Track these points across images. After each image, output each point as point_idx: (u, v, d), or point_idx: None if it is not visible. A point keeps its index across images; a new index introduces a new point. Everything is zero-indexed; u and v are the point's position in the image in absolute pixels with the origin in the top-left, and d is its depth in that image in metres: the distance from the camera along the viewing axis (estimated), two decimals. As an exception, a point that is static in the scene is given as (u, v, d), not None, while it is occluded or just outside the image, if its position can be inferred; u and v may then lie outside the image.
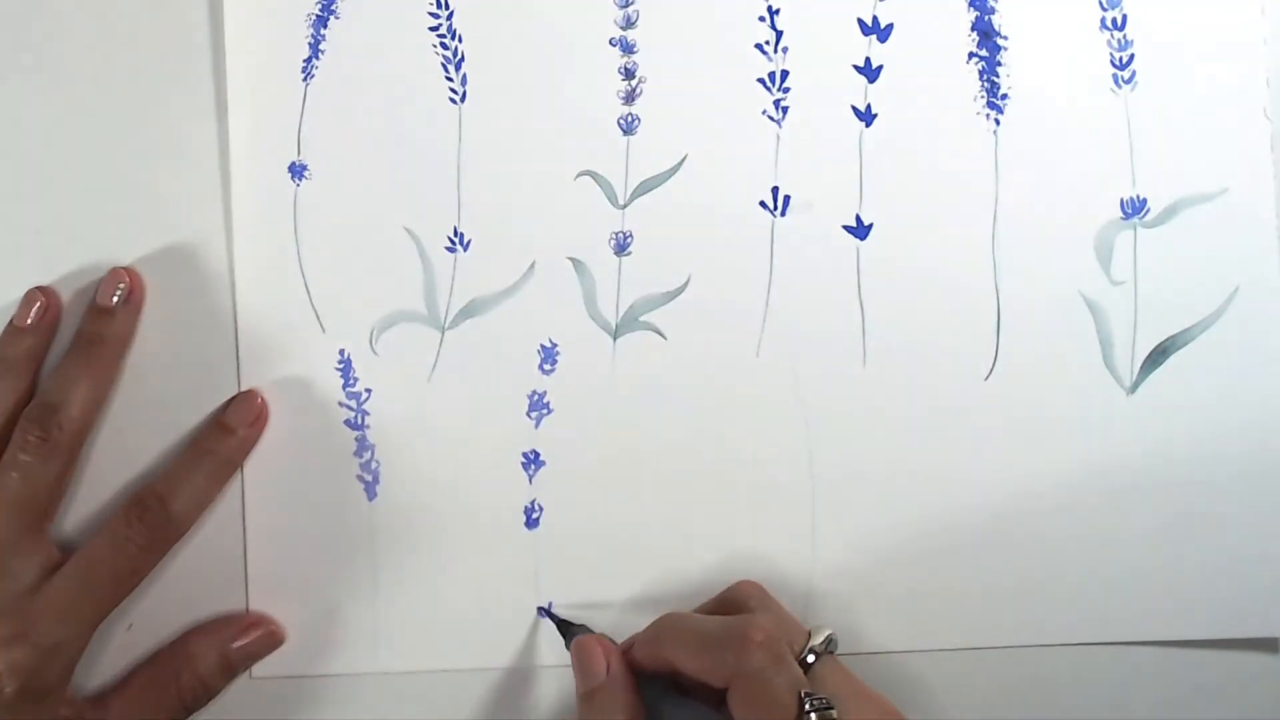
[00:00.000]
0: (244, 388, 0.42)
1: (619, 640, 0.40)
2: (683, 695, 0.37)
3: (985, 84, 0.42)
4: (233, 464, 0.41)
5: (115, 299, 0.40)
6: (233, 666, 0.41)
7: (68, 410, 0.39)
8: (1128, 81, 0.42)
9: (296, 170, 0.42)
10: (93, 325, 0.40)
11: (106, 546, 0.39)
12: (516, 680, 0.42)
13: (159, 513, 0.39)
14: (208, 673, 0.40)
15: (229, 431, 0.41)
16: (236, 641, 0.41)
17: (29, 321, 0.40)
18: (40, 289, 0.41)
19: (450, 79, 0.42)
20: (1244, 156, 0.42)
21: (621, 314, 0.42)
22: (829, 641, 0.37)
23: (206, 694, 0.40)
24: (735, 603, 0.40)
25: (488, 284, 0.42)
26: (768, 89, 0.42)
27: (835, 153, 0.42)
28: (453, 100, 0.42)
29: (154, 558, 0.40)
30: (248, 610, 0.41)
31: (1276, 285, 0.42)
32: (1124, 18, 0.42)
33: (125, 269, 0.41)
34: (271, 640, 0.41)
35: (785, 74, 0.42)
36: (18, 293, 0.41)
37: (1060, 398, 0.42)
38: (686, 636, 0.36)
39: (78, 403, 0.39)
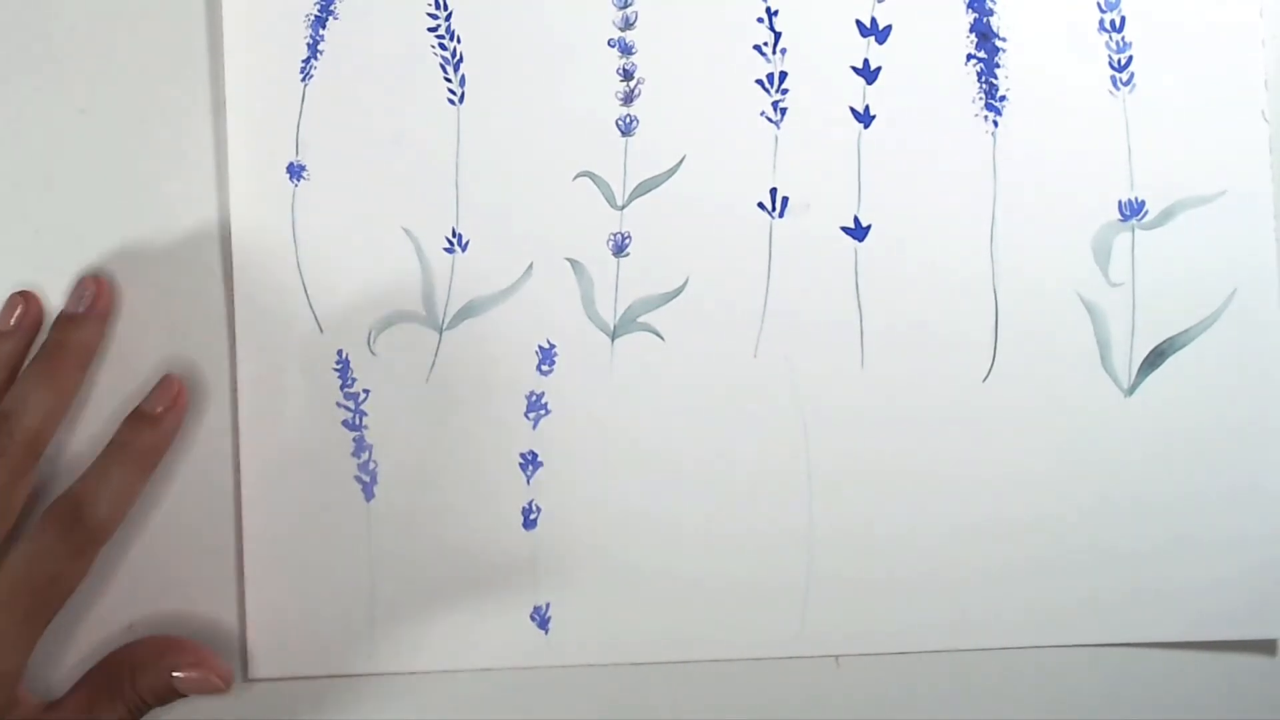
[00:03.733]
0: (241, 388, 0.41)
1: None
2: None
3: (984, 85, 0.42)
4: (153, 454, 0.39)
5: (82, 307, 0.40)
6: (168, 695, 0.39)
7: (20, 419, 0.37)
8: (1126, 83, 0.42)
9: (295, 171, 0.42)
10: (56, 333, 0.40)
11: (23, 562, 0.37)
12: (514, 681, 0.42)
13: (74, 517, 0.37)
14: (148, 691, 0.39)
15: (146, 419, 0.39)
16: (178, 672, 0.39)
17: (12, 324, 0.40)
18: (21, 293, 0.40)
19: (449, 79, 0.42)
20: (1242, 158, 0.42)
21: (620, 315, 0.42)
22: None
23: (145, 709, 0.39)
24: None
25: (486, 285, 0.42)
26: (766, 90, 0.42)
27: (833, 154, 0.42)
28: (451, 101, 0.42)
29: (80, 565, 0.38)
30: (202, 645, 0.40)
31: (1274, 287, 0.42)
32: (1123, 19, 0.42)
33: (94, 277, 0.40)
34: (209, 686, 0.39)
35: (784, 75, 0.42)
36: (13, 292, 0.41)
37: (1058, 399, 0.42)
38: None
39: (32, 411, 0.38)
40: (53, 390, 0.39)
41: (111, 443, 0.39)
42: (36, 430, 0.38)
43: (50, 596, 0.37)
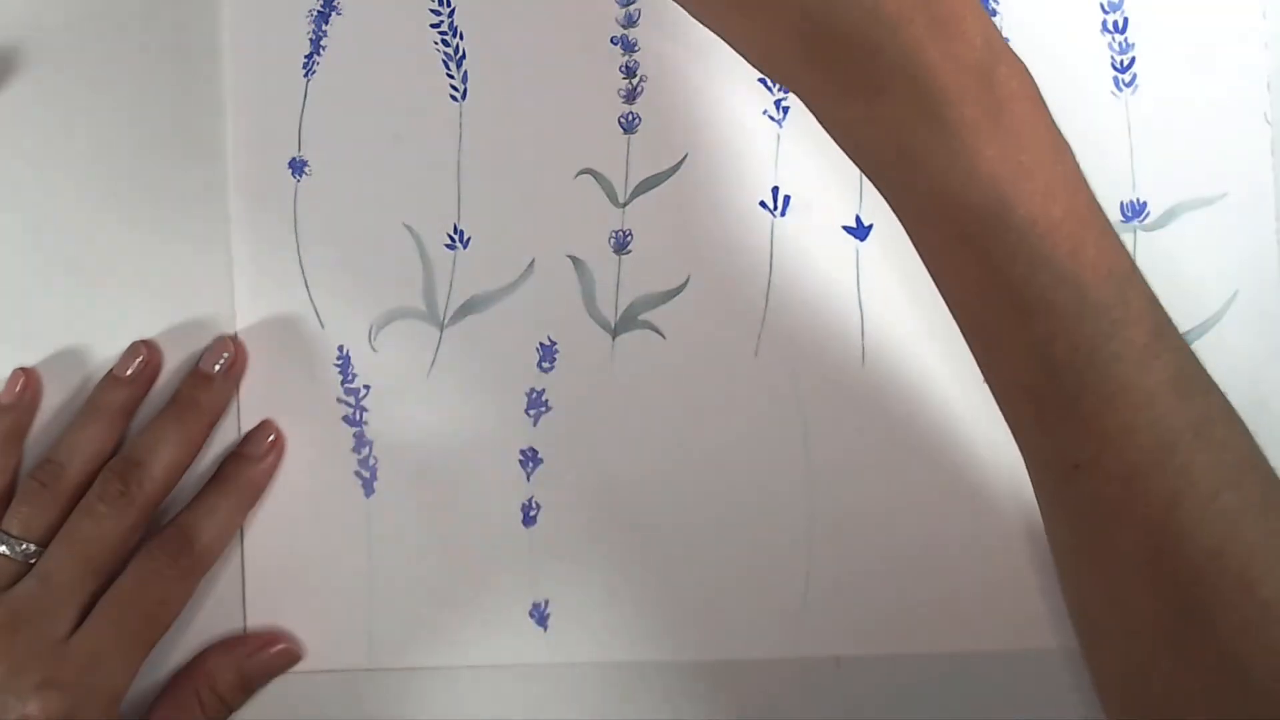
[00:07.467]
0: (241, 384, 0.42)
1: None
2: None
3: (986, 86, 0.42)
4: (255, 490, 0.41)
5: (217, 368, 0.41)
6: (250, 683, 0.41)
7: (150, 469, 0.39)
8: (1128, 85, 0.42)
9: (297, 166, 0.42)
10: (190, 390, 0.41)
11: (134, 585, 0.39)
12: (513, 679, 0.42)
13: (183, 543, 0.39)
14: (226, 689, 0.40)
15: (250, 459, 0.41)
16: (252, 658, 0.41)
17: (129, 373, 0.41)
18: (144, 342, 0.41)
19: (451, 76, 0.42)
20: (1244, 160, 0.42)
21: (621, 312, 0.42)
22: None
23: (227, 710, 0.41)
24: None
25: (487, 281, 0.42)
26: (768, 89, 0.42)
27: (835, 153, 0.42)
28: (453, 97, 0.42)
29: (187, 588, 0.40)
30: (260, 630, 0.42)
31: (1276, 289, 0.42)
32: (1125, 21, 0.42)
33: (231, 338, 0.41)
34: (287, 657, 0.41)
35: (786, 74, 0.42)
36: (11, 292, 0.42)
37: (1059, 400, 0.42)
38: None
39: (161, 463, 0.39)
40: (182, 446, 0.40)
41: (216, 477, 0.41)
42: (163, 483, 0.40)
43: (158, 617, 0.39)
